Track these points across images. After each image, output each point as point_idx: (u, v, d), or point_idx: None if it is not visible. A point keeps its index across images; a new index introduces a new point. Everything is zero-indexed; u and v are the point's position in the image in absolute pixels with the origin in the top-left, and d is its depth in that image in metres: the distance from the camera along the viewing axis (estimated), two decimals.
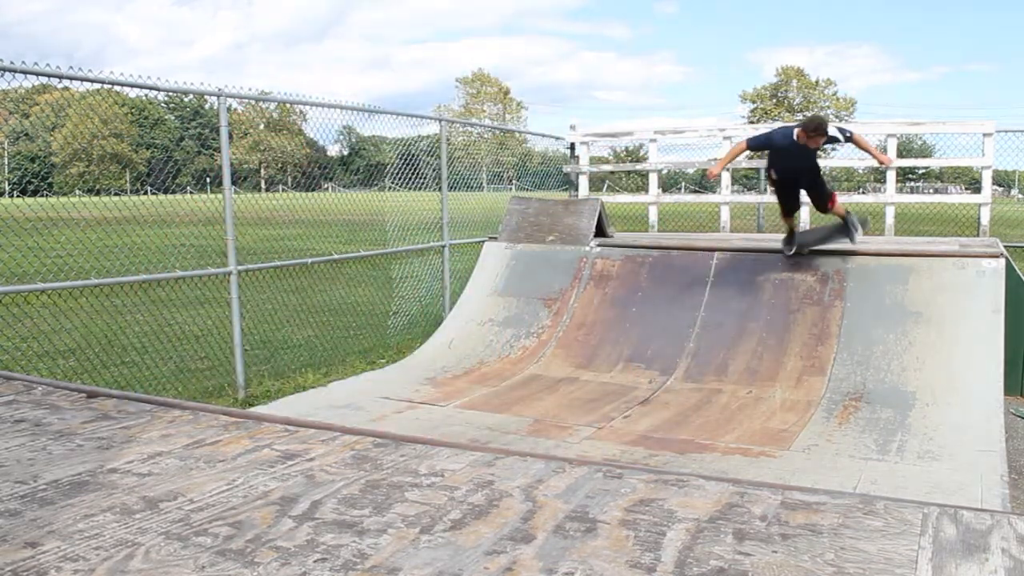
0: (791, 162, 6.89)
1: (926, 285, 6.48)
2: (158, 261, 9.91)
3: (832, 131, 6.85)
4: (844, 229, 7.11)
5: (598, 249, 8.04)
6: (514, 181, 15.22)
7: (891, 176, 9.14)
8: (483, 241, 8.87)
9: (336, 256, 8.58)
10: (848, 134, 7.02)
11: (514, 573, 1.59)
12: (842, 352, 6.31)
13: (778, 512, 1.89)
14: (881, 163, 7.46)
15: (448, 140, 9.59)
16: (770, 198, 16.80)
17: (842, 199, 7.49)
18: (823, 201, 7.14)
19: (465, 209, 10.71)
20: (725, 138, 9.94)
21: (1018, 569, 1.58)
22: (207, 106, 48.57)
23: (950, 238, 8.62)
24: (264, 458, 2.33)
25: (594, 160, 11.54)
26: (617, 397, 6.19)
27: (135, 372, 6.92)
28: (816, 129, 6.67)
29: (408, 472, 2.20)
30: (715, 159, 10.44)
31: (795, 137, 6.72)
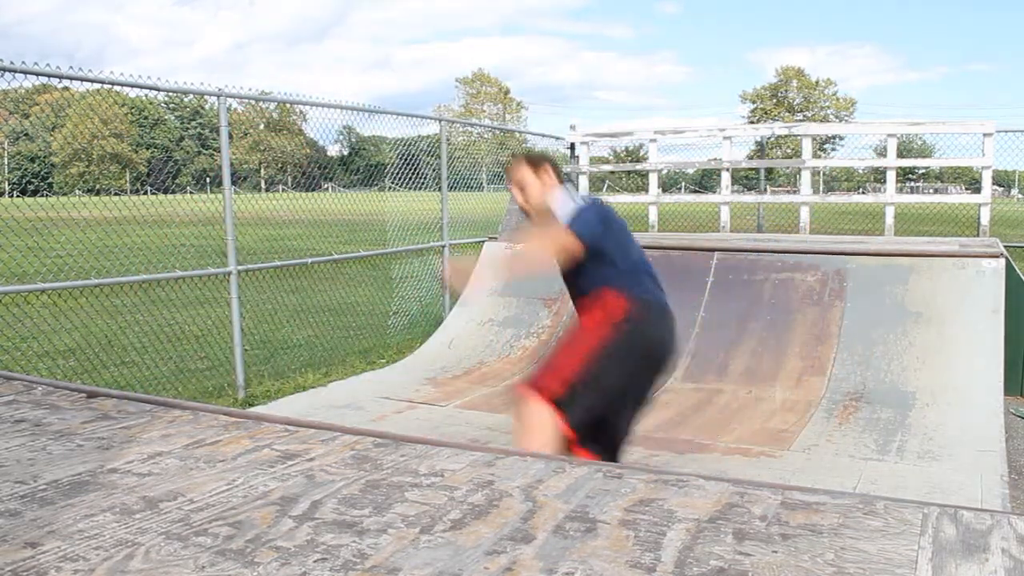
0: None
1: (926, 285, 6.48)
2: (158, 261, 9.91)
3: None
4: None
5: None
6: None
7: (891, 176, 9.13)
8: (483, 241, 8.87)
9: (336, 256, 8.57)
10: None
11: (514, 573, 1.59)
12: (842, 352, 6.31)
13: (778, 512, 1.89)
14: None
15: (448, 140, 9.59)
16: (770, 198, 16.73)
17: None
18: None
19: (465, 209, 10.70)
20: (725, 138, 9.94)
21: (1018, 569, 1.58)
22: (207, 106, 48.60)
23: (950, 238, 8.62)
24: (264, 458, 2.32)
25: (594, 160, 11.54)
26: None
27: (135, 372, 6.92)
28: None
29: (408, 472, 2.20)
30: (716, 159, 10.44)
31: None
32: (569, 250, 3.09)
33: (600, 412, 3.12)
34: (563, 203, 3.29)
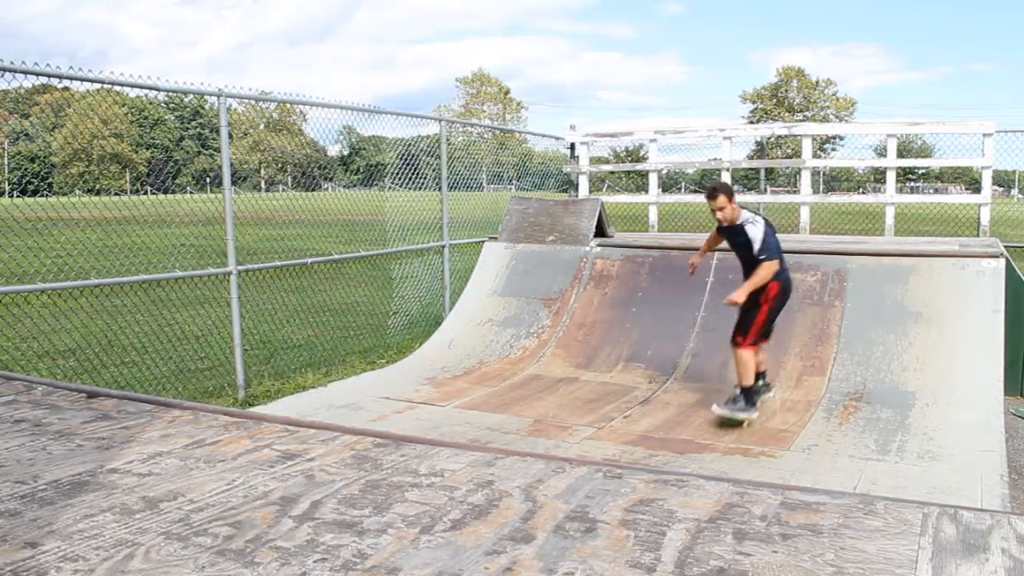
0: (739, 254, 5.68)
1: (926, 285, 6.48)
2: (158, 261, 9.90)
3: (741, 216, 5.49)
4: (733, 400, 5.44)
5: (598, 249, 8.04)
6: (514, 181, 15.23)
7: (891, 176, 9.14)
8: (483, 241, 8.87)
9: (336, 256, 8.57)
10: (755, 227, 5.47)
11: (514, 573, 1.59)
12: (842, 352, 6.31)
13: (778, 512, 1.89)
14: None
15: (448, 140, 9.59)
16: (770, 198, 16.74)
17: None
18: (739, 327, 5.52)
19: (465, 209, 10.70)
20: (725, 138, 9.94)
21: (1018, 569, 1.58)
22: (207, 106, 48.60)
23: (950, 238, 8.62)
24: (264, 458, 2.33)
25: (594, 160, 11.54)
26: (617, 397, 6.19)
27: (135, 372, 6.92)
28: (709, 196, 5.60)
29: (408, 472, 2.20)
30: (715, 158, 10.45)
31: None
32: (775, 270, 5.42)
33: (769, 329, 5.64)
34: (751, 222, 5.47)
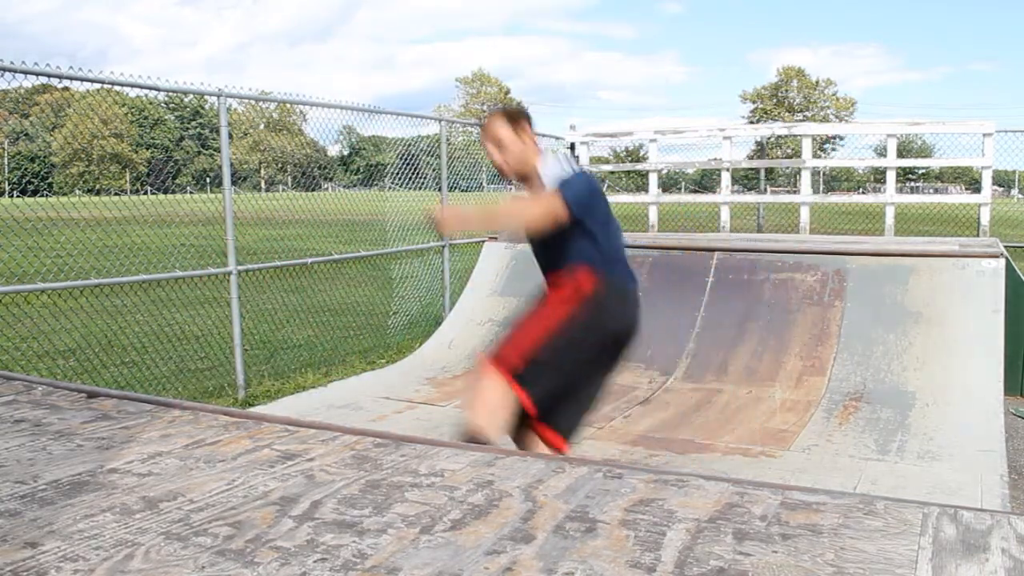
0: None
1: (926, 285, 6.48)
2: (158, 261, 9.90)
3: (546, 164, 3.11)
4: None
5: None
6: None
7: (891, 176, 9.14)
8: (483, 241, 8.87)
9: (336, 256, 8.57)
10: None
11: (514, 573, 1.59)
12: (842, 352, 6.31)
13: (778, 512, 1.89)
14: None
15: (448, 140, 9.59)
16: (770, 198, 16.72)
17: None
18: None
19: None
20: (725, 138, 9.93)
21: (1018, 569, 1.58)
22: (207, 106, 48.61)
23: (950, 238, 8.62)
24: (264, 458, 2.32)
25: (594, 160, 11.54)
26: (617, 397, 6.18)
27: (135, 372, 6.92)
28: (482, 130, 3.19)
29: (408, 472, 2.20)
30: (715, 158, 10.44)
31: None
32: (554, 216, 2.85)
33: (561, 388, 3.04)
34: (552, 167, 3.06)
